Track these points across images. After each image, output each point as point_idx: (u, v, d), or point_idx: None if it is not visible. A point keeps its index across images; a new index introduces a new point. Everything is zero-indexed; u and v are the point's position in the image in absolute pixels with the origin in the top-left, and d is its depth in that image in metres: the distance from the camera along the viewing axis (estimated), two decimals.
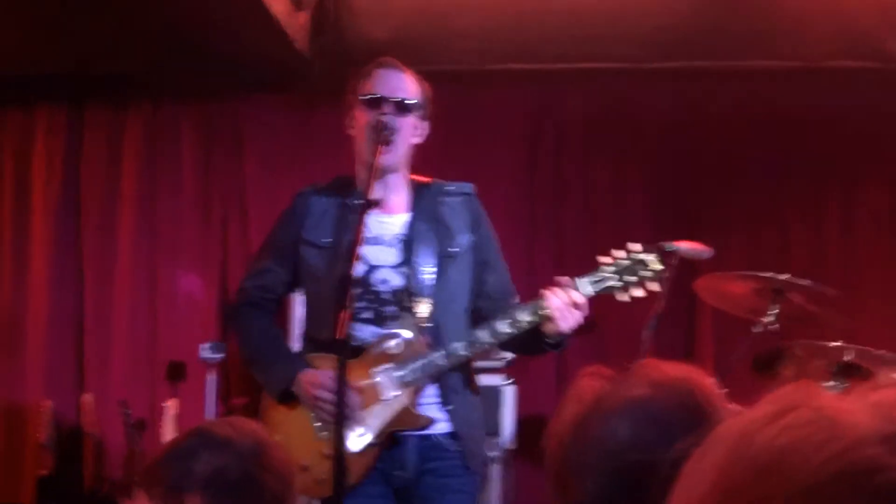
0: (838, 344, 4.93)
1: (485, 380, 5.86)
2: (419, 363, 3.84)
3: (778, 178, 6.73)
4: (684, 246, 5.19)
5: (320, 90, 6.79)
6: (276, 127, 7.11)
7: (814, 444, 0.81)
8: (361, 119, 3.96)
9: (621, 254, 3.87)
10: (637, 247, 3.87)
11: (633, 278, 3.86)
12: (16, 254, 7.16)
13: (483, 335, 3.82)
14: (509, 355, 6.03)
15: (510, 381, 6.07)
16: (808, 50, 6.53)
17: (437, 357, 3.84)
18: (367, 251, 3.91)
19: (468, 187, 4.17)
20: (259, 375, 4.10)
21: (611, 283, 3.85)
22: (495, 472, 5.80)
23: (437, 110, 6.60)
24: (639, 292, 3.89)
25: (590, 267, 6.33)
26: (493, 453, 5.80)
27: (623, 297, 3.90)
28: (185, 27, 6.37)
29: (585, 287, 3.81)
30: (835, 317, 5.18)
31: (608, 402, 1.68)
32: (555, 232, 6.82)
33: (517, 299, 4.03)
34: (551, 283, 3.79)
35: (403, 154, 4.01)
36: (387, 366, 3.86)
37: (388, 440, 3.88)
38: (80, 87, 7.24)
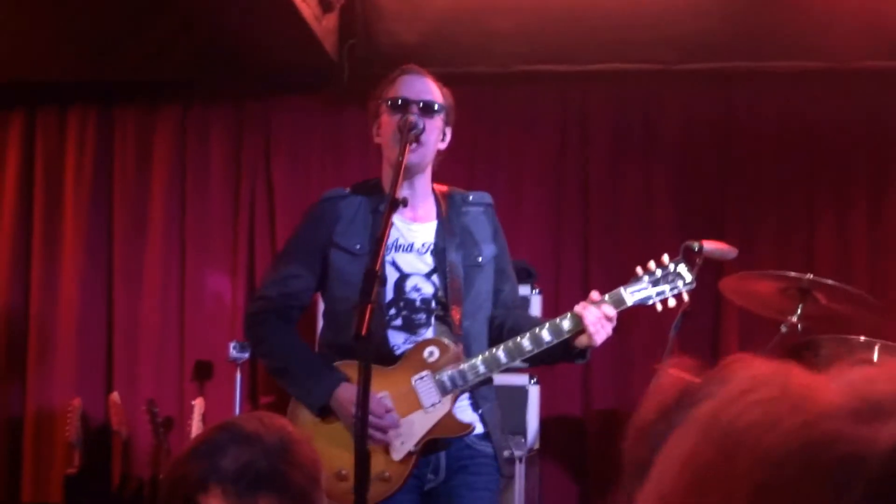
0: (864, 339, 4.90)
1: (510, 379, 5.85)
2: (459, 370, 3.85)
3: (805, 178, 6.67)
4: (710, 245, 5.13)
5: (349, 92, 6.79)
6: (305, 129, 7.11)
7: (776, 419, 0.80)
8: (388, 124, 3.97)
9: (653, 265, 3.94)
10: (667, 258, 3.97)
11: (667, 289, 3.94)
12: (47, 253, 7.17)
13: (525, 343, 3.84)
14: None
15: (535, 381, 6.04)
16: (836, 51, 6.47)
17: (479, 364, 3.85)
18: (399, 259, 3.96)
19: (488, 198, 4.21)
20: (292, 389, 4.03)
21: (647, 293, 3.92)
22: (520, 471, 5.77)
23: (467, 112, 6.60)
24: (672, 303, 3.97)
25: (615, 267, 6.36)
26: (519, 453, 5.77)
27: (658, 307, 3.97)
28: (216, 31, 6.39)
29: (626, 297, 3.88)
30: (861, 315, 5.14)
31: (697, 393, 1.65)
32: (581, 232, 6.79)
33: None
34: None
35: (430, 156, 4.01)
36: (425, 373, 3.86)
37: (427, 447, 3.89)
38: (111, 90, 7.26)
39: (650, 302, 3.93)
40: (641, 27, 6.49)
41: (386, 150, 4.00)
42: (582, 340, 3.81)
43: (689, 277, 3.98)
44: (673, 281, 3.95)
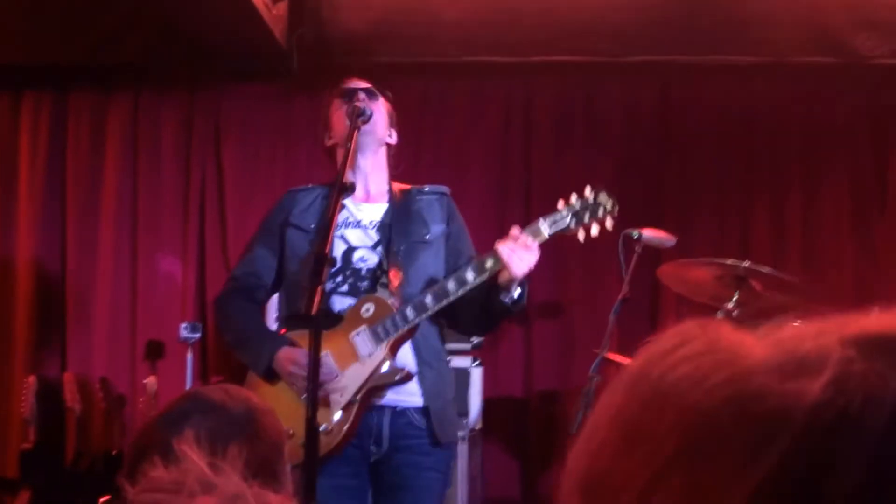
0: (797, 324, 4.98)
1: (454, 362, 5.91)
2: (391, 319, 3.95)
3: (741, 168, 6.79)
4: (649, 233, 5.26)
5: (299, 81, 6.83)
6: (256, 116, 7.14)
7: (702, 374, 0.79)
8: (339, 119, 4.15)
9: (573, 197, 4.02)
10: (588, 189, 4.03)
11: (588, 217, 3.98)
12: (2, 234, 7.17)
13: (450, 285, 3.95)
14: (477, 336, 6.08)
15: (478, 364, 6.11)
16: (774, 45, 6.58)
17: (407, 310, 3.95)
18: (347, 233, 4.11)
19: (444, 188, 4.36)
20: (243, 356, 4.21)
21: (567, 222, 3.98)
22: (462, 451, 5.84)
23: (413, 101, 6.68)
24: (595, 230, 4.02)
25: (556, 254, 6.43)
26: (461, 433, 5.84)
27: (581, 236, 4.02)
28: (168, 17, 6.40)
29: (543, 228, 3.94)
30: (795, 304, 5.23)
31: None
32: (524, 220, 6.82)
33: None
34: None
35: (379, 133, 4.20)
36: (362, 328, 3.98)
37: (367, 398, 3.96)
38: (65, 74, 7.25)
39: (570, 231, 3.99)
40: (584, 20, 6.57)
41: (338, 136, 4.16)
42: (504, 276, 3.88)
43: (609, 203, 4.04)
44: (594, 210, 4.01)
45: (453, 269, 4.12)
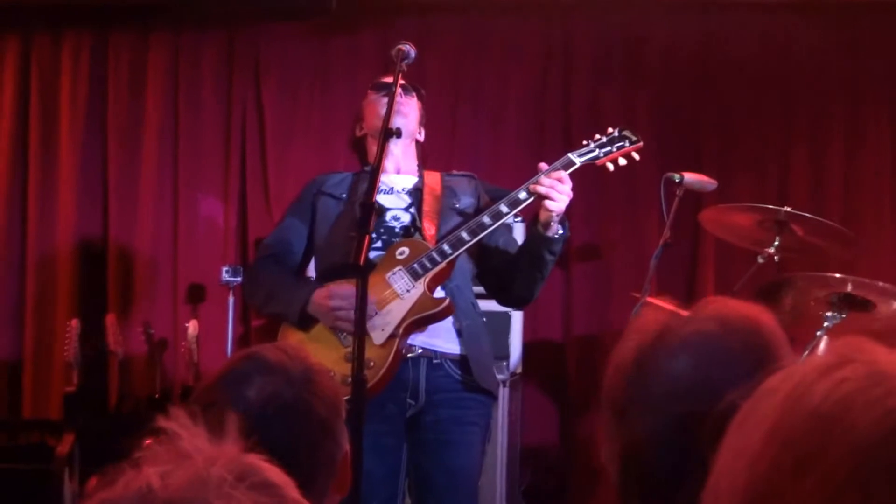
0: (839, 275, 4.94)
1: (493, 306, 5.89)
2: (428, 256, 3.94)
3: (782, 110, 6.64)
4: (690, 177, 5.21)
5: (337, 20, 6.79)
6: (294, 55, 7.07)
7: (871, 399, 0.80)
8: (372, 103, 4.24)
9: (598, 134, 4.10)
10: (611, 129, 4.12)
11: (614, 148, 4.05)
12: (44, 177, 7.12)
13: (485, 218, 3.94)
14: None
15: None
16: None
17: (444, 245, 3.94)
18: (380, 199, 4.06)
19: (472, 174, 4.44)
20: (274, 308, 4.18)
21: (595, 153, 4.04)
22: (503, 394, 5.83)
23: (451, 40, 6.63)
24: (622, 160, 4.09)
25: (596, 195, 6.39)
26: (502, 377, 5.83)
27: (609, 167, 4.09)
28: None
29: (574, 159, 4.01)
30: (836, 249, 5.19)
31: (674, 335, 1.63)
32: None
33: None
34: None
35: (412, 126, 4.25)
36: (397, 268, 3.97)
37: (409, 330, 3.94)
38: (104, 14, 7.19)
39: (599, 160, 4.05)
40: None
41: (373, 124, 4.20)
42: (543, 214, 3.92)
43: (634, 137, 4.10)
44: (620, 141, 4.07)
45: (488, 245, 4.15)
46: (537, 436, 6.51)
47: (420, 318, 3.94)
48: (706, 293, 6.38)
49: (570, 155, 4.02)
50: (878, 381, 0.81)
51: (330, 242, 4.13)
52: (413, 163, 4.32)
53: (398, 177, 4.24)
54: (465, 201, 4.21)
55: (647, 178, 6.22)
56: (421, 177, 4.26)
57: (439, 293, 4.00)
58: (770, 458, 0.83)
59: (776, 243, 5.00)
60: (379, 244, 4.03)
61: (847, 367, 0.83)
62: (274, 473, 1.06)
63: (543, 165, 3.97)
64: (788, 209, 4.96)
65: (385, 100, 3.99)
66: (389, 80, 4.10)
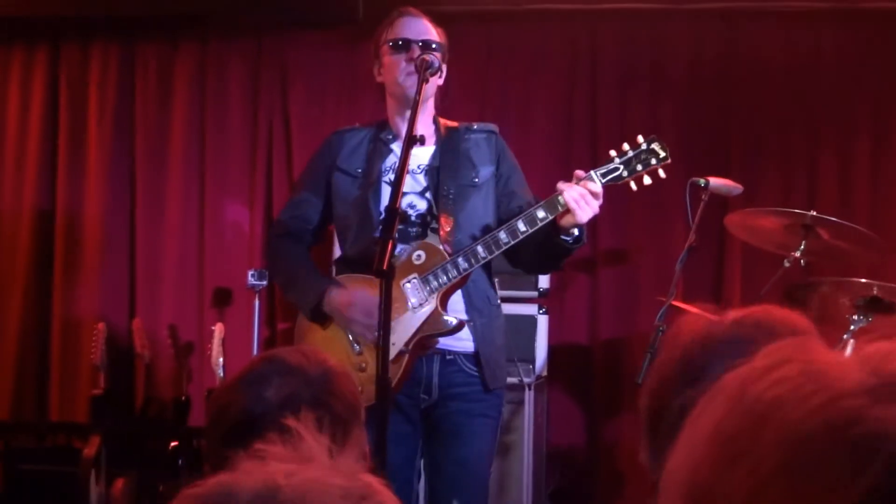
0: (864, 280, 4.92)
1: (519, 309, 5.89)
2: (442, 267, 3.90)
3: (808, 115, 6.60)
4: (716, 182, 5.18)
5: (364, 29, 6.77)
6: (321, 64, 7.07)
7: (800, 397, 0.83)
8: (390, 63, 4.09)
9: (628, 146, 3.95)
10: (642, 138, 3.97)
11: (641, 166, 3.92)
12: (72, 184, 7.15)
13: (502, 235, 3.88)
14: (544, 284, 6.06)
15: (544, 311, 6.08)
16: None
17: (460, 260, 3.89)
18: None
19: (492, 126, 4.28)
20: (291, 296, 4.26)
21: (620, 172, 3.91)
22: (528, 397, 5.83)
23: (477, 49, 6.62)
24: (648, 180, 3.96)
25: (622, 202, 6.39)
26: (528, 380, 5.83)
27: (634, 186, 3.97)
28: None
29: (596, 178, 3.87)
30: (862, 253, 5.17)
31: (718, 343, 1.64)
32: (590, 166, 6.75)
33: None
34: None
35: (430, 90, 4.10)
36: (413, 276, 3.93)
37: (418, 347, 3.93)
38: (131, 25, 7.22)
39: (622, 181, 3.93)
40: None
41: (391, 86, 4.13)
42: (567, 220, 3.82)
43: (662, 153, 3.96)
44: (646, 158, 3.94)
45: (505, 211, 4.06)
46: (564, 438, 6.49)
47: (429, 336, 3.93)
48: (732, 297, 6.36)
49: (593, 174, 3.88)
50: (810, 378, 0.84)
51: (349, 224, 4.10)
52: (430, 126, 4.16)
53: (416, 150, 3.99)
54: (484, 172, 4.11)
55: (672, 182, 6.13)
56: (438, 142, 4.14)
57: (453, 299, 4.00)
58: (710, 456, 0.87)
59: (802, 247, 4.99)
60: (396, 234, 3.98)
61: (784, 367, 0.87)
62: (389, 499, 1.08)
63: (580, 173, 3.88)
64: (814, 213, 4.95)
65: (404, 64, 4.00)
66: (408, 34, 4.07)
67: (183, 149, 7.11)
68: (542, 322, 5.99)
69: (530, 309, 6.00)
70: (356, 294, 3.93)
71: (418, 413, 4.02)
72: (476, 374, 4.01)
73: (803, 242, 4.98)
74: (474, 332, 4.01)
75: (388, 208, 3.46)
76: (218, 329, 6.34)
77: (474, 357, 4.01)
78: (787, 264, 5.00)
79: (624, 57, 6.81)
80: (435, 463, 4.05)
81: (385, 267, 3.22)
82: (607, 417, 6.56)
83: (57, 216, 7.15)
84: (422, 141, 3.81)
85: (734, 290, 6.42)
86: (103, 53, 7.25)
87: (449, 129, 4.18)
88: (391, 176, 3.99)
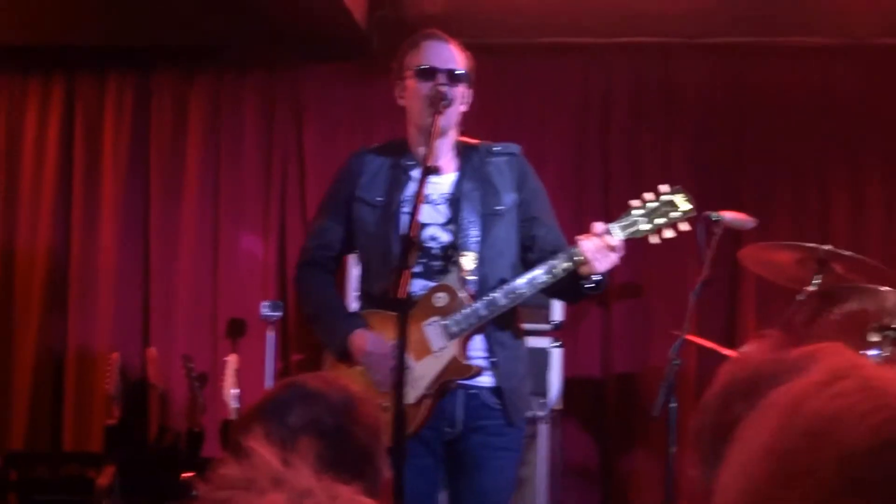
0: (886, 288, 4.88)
1: (533, 342, 5.86)
2: (463, 314, 3.83)
3: (820, 149, 6.58)
4: (729, 216, 5.17)
5: (377, 62, 6.79)
6: (335, 96, 7.08)
7: (861, 413, 0.82)
8: (413, 89, 3.99)
9: (650, 196, 3.82)
10: (665, 188, 3.81)
11: (663, 220, 3.79)
12: (87, 214, 7.15)
13: (521, 285, 3.83)
14: (557, 318, 6.04)
15: (558, 344, 6.06)
16: (852, 27, 6.44)
17: (480, 307, 3.83)
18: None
19: (515, 148, 4.16)
20: (319, 334, 4.14)
21: (640, 226, 3.79)
22: (543, 431, 5.80)
23: (489, 83, 6.62)
24: (669, 233, 3.81)
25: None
26: (541, 413, 5.81)
27: (654, 240, 3.83)
28: None
29: (615, 232, 3.75)
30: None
31: (780, 373, 1.64)
32: (602, 202, 6.72)
33: None
34: (588, 230, 3.79)
35: (454, 120, 4.02)
36: (434, 318, 3.86)
37: (440, 391, 3.88)
38: (147, 57, 7.23)
39: (641, 235, 3.80)
40: (661, 1, 6.43)
41: (411, 113, 4.04)
42: (584, 270, 3.75)
43: (686, 206, 3.81)
44: (668, 211, 3.80)
45: (526, 236, 4.01)
46: (577, 472, 6.46)
47: (449, 380, 3.89)
48: (746, 331, 6.34)
49: (611, 227, 3.76)
50: (868, 396, 0.83)
51: (371, 256, 4.04)
52: (451, 152, 4.06)
53: (437, 180, 3.97)
54: (507, 200, 4.02)
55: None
56: (460, 168, 4.04)
57: (474, 341, 3.96)
58: (765, 470, 0.85)
59: (816, 281, 4.97)
60: (419, 269, 3.90)
61: (840, 383, 0.85)
62: None
63: (600, 227, 3.77)
64: (829, 247, 4.92)
65: (428, 92, 3.91)
66: (434, 62, 3.98)
67: (197, 180, 7.10)
68: (556, 355, 5.97)
69: (543, 342, 5.97)
70: (373, 339, 3.89)
71: (441, 446, 3.96)
72: (499, 407, 3.95)
73: (817, 276, 4.96)
74: (495, 368, 3.95)
75: (403, 237, 3.43)
76: (231, 360, 6.33)
77: (497, 390, 3.98)
78: (801, 298, 4.98)
79: (636, 91, 6.80)
80: (456, 495, 4.01)
81: (401, 296, 3.21)
82: (621, 450, 6.52)
83: (72, 246, 7.15)
84: (437, 171, 3.78)
85: (748, 325, 6.40)
86: (119, 84, 7.26)
87: (469, 149, 4.09)
88: (411, 207, 3.94)
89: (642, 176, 6.67)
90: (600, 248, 3.72)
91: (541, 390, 5.81)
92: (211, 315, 6.98)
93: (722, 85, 6.74)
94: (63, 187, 7.23)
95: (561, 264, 3.78)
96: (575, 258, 3.75)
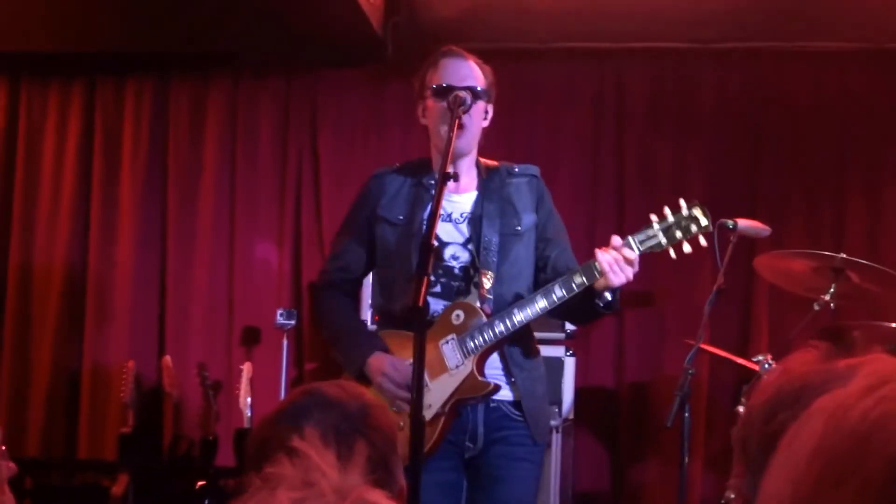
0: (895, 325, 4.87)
1: (546, 351, 5.76)
2: (479, 330, 3.81)
3: (836, 157, 6.50)
4: (744, 223, 5.12)
5: (392, 67, 6.79)
6: (350, 102, 7.05)
7: None
8: (433, 109, 3.95)
9: (669, 210, 3.79)
10: (684, 202, 3.78)
11: (682, 234, 3.77)
12: (105, 219, 7.15)
13: (539, 300, 3.80)
14: (571, 326, 6.02)
15: (571, 353, 6.03)
16: (868, 31, 6.39)
17: (496, 323, 3.80)
18: (438, 228, 3.89)
19: (534, 169, 4.15)
20: (338, 356, 4.09)
21: (659, 240, 3.78)
22: (556, 440, 5.77)
23: (504, 87, 6.59)
24: (687, 248, 3.80)
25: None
26: (554, 423, 5.77)
27: (672, 254, 3.82)
28: (265, 4, 6.40)
29: (634, 245, 3.74)
30: (892, 296, 5.11)
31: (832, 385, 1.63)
32: (616, 206, 6.70)
33: None
34: (606, 244, 3.78)
35: (475, 139, 3.99)
36: (451, 336, 3.84)
37: (455, 409, 3.85)
38: (165, 62, 7.23)
39: (661, 249, 3.79)
40: (676, 5, 6.35)
41: (432, 133, 4.00)
42: (600, 283, 3.72)
43: (704, 221, 3.79)
44: (687, 226, 3.78)
45: (540, 257, 4.00)
46: (590, 481, 6.41)
47: (465, 398, 3.87)
48: (761, 340, 6.31)
49: (630, 239, 3.76)
50: None
51: (392, 276, 4.00)
52: (472, 170, 4.05)
53: (457, 198, 3.98)
54: (526, 221, 4.01)
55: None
56: (480, 187, 4.03)
57: (491, 362, 3.93)
58: (813, 475, 0.85)
59: (832, 290, 4.93)
60: (438, 288, 3.90)
61: (885, 387, 0.86)
62: None
63: (617, 240, 3.74)
64: (844, 256, 4.89)
65: (446, 111, 3.85)
66: (452, 80, 3.94)
67: (214, 186, 7.09)
68: (570, 364, 5.93)
69: (557, 351, 5.93)
70: (391, 362, 3.86)
71: (462, 462, 3.94)
72: (520, 418, 3.93)
73: (833, 285, 4.92)
74: (515, 387, 3.92)
75: (421, 244, 3.40)
76: (246, 368, 6.33)
77: (517, 404, 3.95)
78: (816, 307, 4.93)
79: (651, 96, 6.76)
80: None
81: (420, 304, 3.19)
82: (633, 461, 6.48)
83: (89, 253, 7.14)
84: (455, 178, 3.74)
85: (763, 333, 6.36)
86: (138, 89, 7.25)
87: (490, 171, 4.07)
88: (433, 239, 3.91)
89: (657, 182, 6.65)
90: (618, 260, 3.69)
91: (554, 399, 5.77)
92: (226, 323, 6.97)
93: (737, 90, 6.69)
94: (82, 192, 7.24)
95: (577, 278, 3.76)
96: (593, 271, 3.73)
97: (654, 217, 3.81)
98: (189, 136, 7.17)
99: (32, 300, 7.21)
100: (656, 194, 6.64)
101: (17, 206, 7.29)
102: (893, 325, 4.82)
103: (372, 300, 5.77)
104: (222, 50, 7.08)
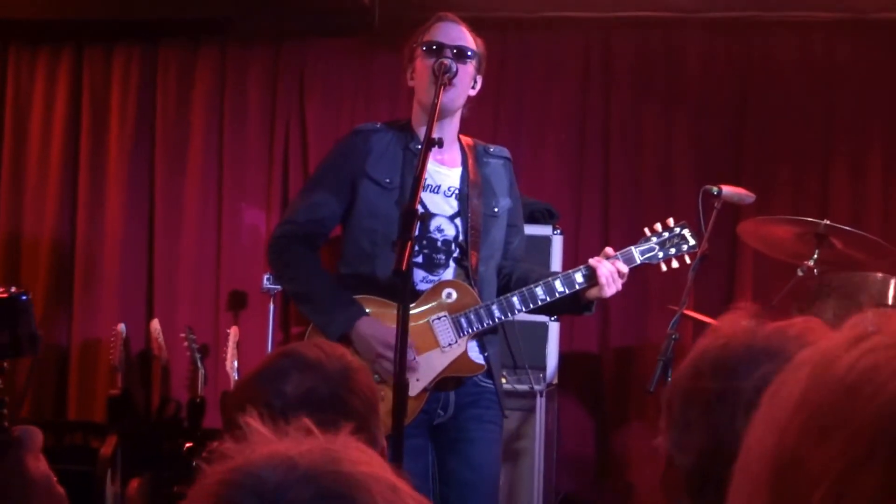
0: (880, 275, 4.85)
1: (531, 316, 5.80)
2: (476, 313, 3.82)
3: (820, 125, 6.48)
4: (728, 190, 5.06)
5: (380, 36, 6.73)
6: (338, 70, 7.00)
7: (894, 368, 0.80)
8: (422, 68, 3.90)
9: (659, 227, 4.02)
10: (671, 221, 4.03)
11: (674, 251, 4.01)
12: (93, 185, 7.10)
13: (539, 292, 3.85)
14: None
15: (555, 318, 5.99)
16: (855, 2, 6.35)
17: (495, 308, 3.83)
18: (426, 198, 3.87)
19: (506, 152, 4.18)
20: (313, 317, 3.96)
21: (656, 252, 4.00)
22: (540, 404, 5.73)
23: (491, 57, 6.53)
24: (675, 264, 4.06)
25: (635, 210, 6.31)
26: (538, 387, 5.73)
27: (662, 267, 4.06)
28: None
29: (636, 256, 3.95)
30: (875, 262, 5.08)
31: (754, 348, 1.61)
32: (602, 175, 6.65)
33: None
34: (603, 241, 3.87)
35: (461, 100, 3.94)
36: (443, 314, 3.83)
37: (439, 384, 3.87)
38: (153, 29, 7.16)
39: (656, 261, 4.01)
40: None
41: (419, 93, 3.94)
42: (592, 293, 3.87)
43: (691, 241, 4.06)
44: (678, 244, 4.03)
45: (506, 241, 4.06)
46: (572, 447, 6.40)
47: (453, 377, 3.88)
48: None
49: (633, 250, 3.98)
50: None
51: (372, 241, 3.89)
52: (455, 144, 4.02)
53: (445, 171, 3.94)
54: (503, 203, 4.04)
55: (685, 190, 6.15)
56: (464, 163, 4.00)
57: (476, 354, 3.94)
58: (797, 427, 0.84)
59: (815, 256, 4.89)
60: (420, 259, 3.85)
61: (872, 339, 0.84)
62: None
63: (610, 250, 3.93)
64: (828, 222, 4.84)
65: (435, 60, 3.82)
66: (442, 38, 3.90)
67: (201, 152, 7.05)
68: (554, 329, 5.88)
69: (542, 316, 5.90)
70: (384, 329, 3.76)
71: (430, 428, 3.94)
72: (491, 385, 3.98)
73: (816, 251, 4.88)
74: (488, 360, 3.97)
75: (405, 210, 3.32)
76: (233, 332, 6.30)
77: (488, 373, 3.97)
78: (800, 273, 4.90)
79: (637, 65, 6.71)
80: (447, 470, 3.95)
81: (404, 268, 3.12)
82: (617, 425, 6.47)
83: (78, 218, 7.11)
84: (440, 145, 3.66)
85: (746, 297, 6.33)
86: (126, 56, 7.19)
87: (469, 148, 4.06)
88: (422, 195, 3.76)
89: (643, 150, 6.62)
90: (612, 272, 3.86)
91: (539, 364, 5.73)
92: (213, 288, 6.95)
93: (723, 60, 6.65)
94: (70, 158, 7.20)
95: (579, 278, 3.88)
96: (591, 275, 3.88)
97: (648, 231, 4.03)
98: (177, 103, 7.12)
99: (21, 265, 7.20)
100: (643, 162, 6.61)
101: (5, 173, 7.26)
102: (879, 274, 4.79)
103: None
104: (211, 17, 7.00)
